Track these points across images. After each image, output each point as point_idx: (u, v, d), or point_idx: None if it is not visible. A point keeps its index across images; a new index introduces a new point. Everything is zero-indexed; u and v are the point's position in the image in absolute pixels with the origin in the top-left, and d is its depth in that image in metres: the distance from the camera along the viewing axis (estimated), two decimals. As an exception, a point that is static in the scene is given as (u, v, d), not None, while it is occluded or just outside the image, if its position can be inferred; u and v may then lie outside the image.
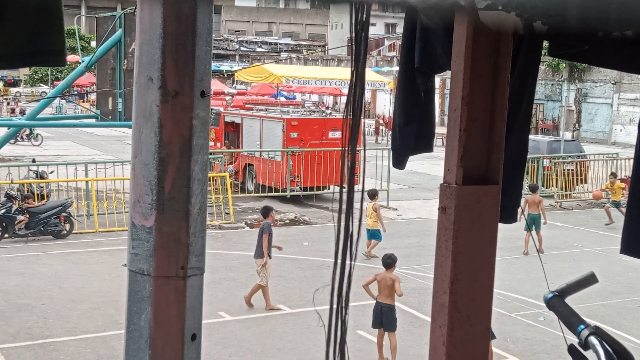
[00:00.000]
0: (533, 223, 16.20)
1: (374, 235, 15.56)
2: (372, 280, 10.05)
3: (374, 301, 10.14)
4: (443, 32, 3.10)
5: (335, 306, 2.20)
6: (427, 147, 3.65)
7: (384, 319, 9.88)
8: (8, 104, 52.98)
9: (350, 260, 2.27)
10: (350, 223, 2.25)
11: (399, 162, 3.72)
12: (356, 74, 2.14)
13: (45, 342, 10.20)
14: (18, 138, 34.76)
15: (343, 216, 2.22)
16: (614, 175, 21.13)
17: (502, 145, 2.70)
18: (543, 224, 16.47)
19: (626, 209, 3.14)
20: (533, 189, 17.70)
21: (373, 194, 16.28)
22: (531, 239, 15.64)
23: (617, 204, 20.18)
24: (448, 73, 2.74)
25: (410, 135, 3.57)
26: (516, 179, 3.25)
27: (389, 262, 10.02)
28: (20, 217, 15.77)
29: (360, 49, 2.15)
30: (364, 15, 2.13)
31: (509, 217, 3.22)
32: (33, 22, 2.29)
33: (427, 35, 3.25)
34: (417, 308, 11.90)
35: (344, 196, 2.28)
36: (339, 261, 2.25)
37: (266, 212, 12.66)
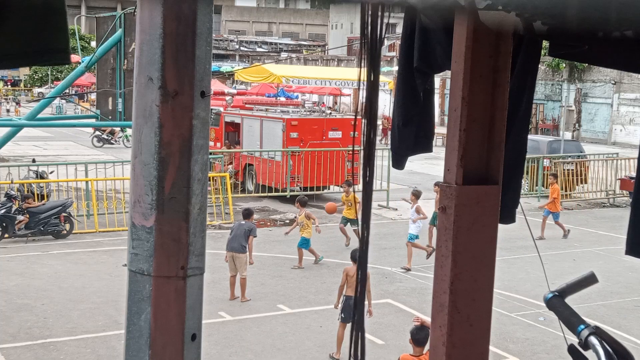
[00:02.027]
0: (434, 219, 16.08)
1: (306, 243, 14.55)
2: (345, 280, 10.10)
3: (374, 301, 10.11)
4: (442, 31, 3.10)
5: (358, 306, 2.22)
6: (426, 147, 3.64)
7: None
8: (17, 103, 53.09)
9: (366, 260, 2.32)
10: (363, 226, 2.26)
11: (398, 162, 3.71)
12: (373, 76, 2.13)
13: (45, 342, 10.20)
14: (112, 140, 34.53)
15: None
16: (348, 183, 17.01)
17: (502, 145, 2.70)
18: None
19: (631, 210, 3.13)
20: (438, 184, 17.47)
21: (305, 202, 15.03)
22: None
23: (347, 221, 16.60)
24: (448, 73, 2.74)
25: (409, 135, 3.56)
26: (515, 178, 3.25)
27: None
28: (20, 217, 15.77)
29: (375, 51, 2.14)
30: (381, 17, 2.13)
31: (508, 217, 3.21)
32: (36, 21, 2.29)
33: (427, 35, 3.25)
34: (417, 308, 11.90)
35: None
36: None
37: (249, 214, 13.05)
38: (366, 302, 10.09)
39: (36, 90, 65.26)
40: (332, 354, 9.97)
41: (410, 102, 3.48)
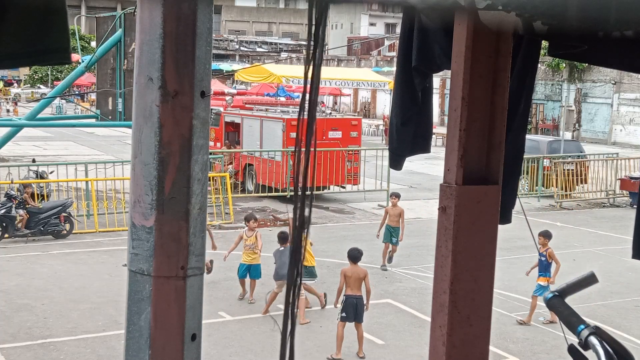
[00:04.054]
0: (390, 235, 14.61)
1: (252, 272, 12.35)
2: (343, 281, 10.02)
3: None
4: (441, 31, 3.09)
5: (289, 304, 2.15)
6: (424, 147, 3.63)
7: (358, 310, 9.91)
8: (15, 103, 53.07)
9: (301, 258, 2.19)
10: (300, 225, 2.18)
11: (396, 162, 3.70)
12: (312, 73, 2.11)
13: (45, 342, 10.19)
14: None
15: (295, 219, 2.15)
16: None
17: (502, 145, 2.71)
18: (399, 240, 14.71)
19: (636, 213, 3.13)
20: (396, 195, 15.25)
21: (256, 218, 12.73)
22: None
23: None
24: (448, 73, 2.74)
25: (408, 136, 3.55)
26: (512, 179, 3.24)
27: (358, 255, 10.13)
28: (20, 212, 15.77)
29: (316, 48, 2.13)
30: (320, 15, 2.11)
31: (504, 217, 3.20)
32: (37, 21, 2.29)
33: (425, 34, 3.24)
34: (417, 308, 11.89)
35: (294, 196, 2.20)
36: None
37: (285, 238, 11.87)
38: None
39: (13, 90, 65.17)
40: (332, 355, 9.90)
41: (408, 101, 3.47)
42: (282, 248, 11.77)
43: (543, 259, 11.81)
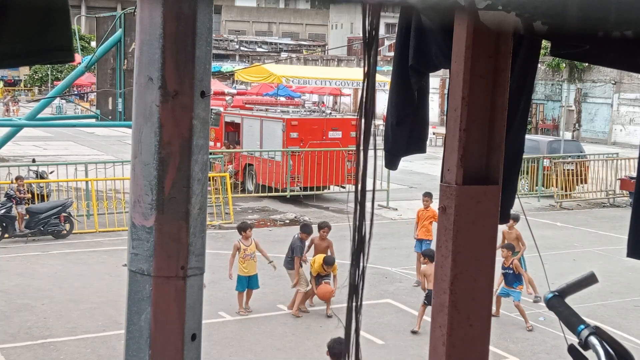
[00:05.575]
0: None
1: (252, 282, 11.93)
2: (424, 279, 11.18)
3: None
4: (439, 30, 3.08)
5: (352, 305, 2.17)
6: (419, 148, 3.60)
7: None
8: (16, 103, 53.00)
9: (364, 260, 2.21)
10: (364, 224, 2.21)
11: (392, 162, 3.66)
12: (368, 75, 2.12)
13: (45, 342, 10.20)
14: None
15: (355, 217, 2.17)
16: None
17: (502, 145, 2.71)
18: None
19: (631, 211, 3.12)
20: (515, 218, 12.16)
21: (245, 227, 12.20)
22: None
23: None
24: (448, 73, 2.73)
25: (403, 136, 3.52)
26: (512, 179, 3.23)
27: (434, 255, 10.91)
28: (20, 210, 15.80)
29: (371, 51, 2.14)
30: (375, 17, 2.12)
31: (503, 217, 3.18)
32: (40, 19, 2.29)
33: (422, 34, 3.23)
34: (417, 308, 11.88)
35: (357, 195, 2.22)
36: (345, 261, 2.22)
37: (302, 228, 12.31)
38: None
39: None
40: (414, 328, 10.91)
41: (404, 101, 3.45)
42: (300, 243, 12.04)
43: (510, 272, 11.67)
